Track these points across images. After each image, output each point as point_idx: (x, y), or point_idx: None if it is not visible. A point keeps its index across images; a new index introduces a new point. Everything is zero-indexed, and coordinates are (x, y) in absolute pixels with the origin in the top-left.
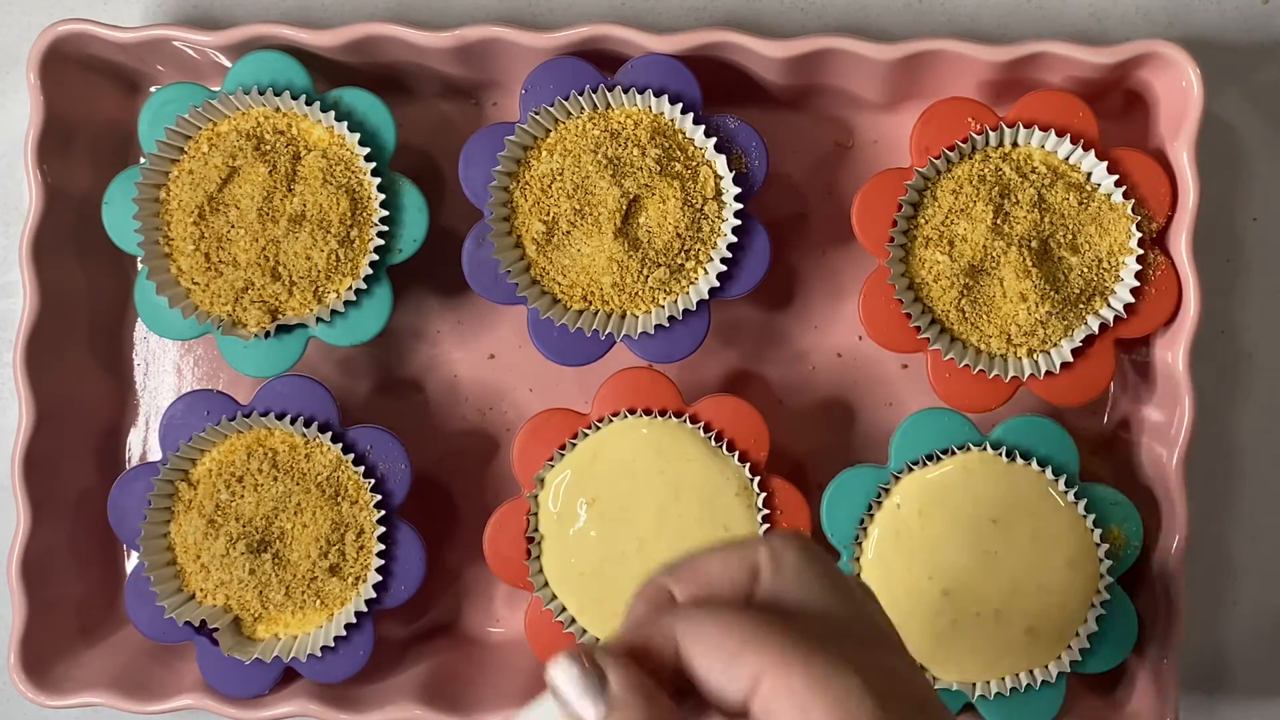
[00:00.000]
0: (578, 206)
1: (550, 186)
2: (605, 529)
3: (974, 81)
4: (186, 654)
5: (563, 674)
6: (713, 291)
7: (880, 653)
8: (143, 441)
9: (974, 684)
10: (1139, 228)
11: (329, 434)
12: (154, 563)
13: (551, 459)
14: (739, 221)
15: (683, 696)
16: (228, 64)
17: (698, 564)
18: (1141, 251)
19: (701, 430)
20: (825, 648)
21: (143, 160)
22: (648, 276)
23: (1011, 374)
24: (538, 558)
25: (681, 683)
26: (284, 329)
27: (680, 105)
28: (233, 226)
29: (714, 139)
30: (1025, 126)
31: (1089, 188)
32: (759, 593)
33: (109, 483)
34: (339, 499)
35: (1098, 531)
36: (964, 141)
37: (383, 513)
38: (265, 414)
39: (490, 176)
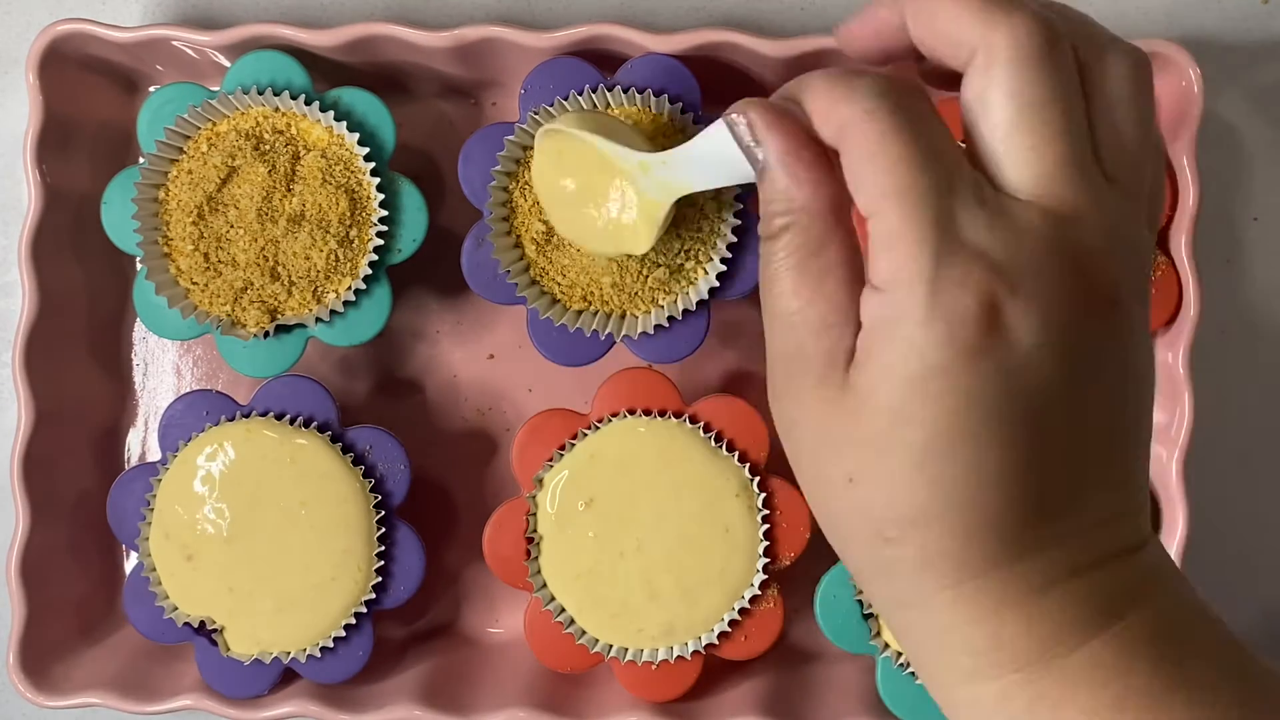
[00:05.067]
0: None
1: None
2: (603, 529)
3: None
4: (186, 654)
5: (732, 122)
6: (713, 291)
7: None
8: (142, 442)
9: None
10: None
11: (328, 434)
12: (152, 563)
13: (550, 459)
14: (739, 221)
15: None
16: (227, 64)
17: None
18: None
19: (701, 430)
20: (952, 253)
21: (142, 160)
22: (647, 277)
23: None
24: (537, 558)
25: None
26: (283, 329)
27: (680, 105)
28: (232, 226)
29: None
30: None
31: None
32: (963, 91)
33: (108, 483)
34: None
35: None
36: (964, 141)
37: (382, 513)
38: (264, 414)
39: (490, 176)
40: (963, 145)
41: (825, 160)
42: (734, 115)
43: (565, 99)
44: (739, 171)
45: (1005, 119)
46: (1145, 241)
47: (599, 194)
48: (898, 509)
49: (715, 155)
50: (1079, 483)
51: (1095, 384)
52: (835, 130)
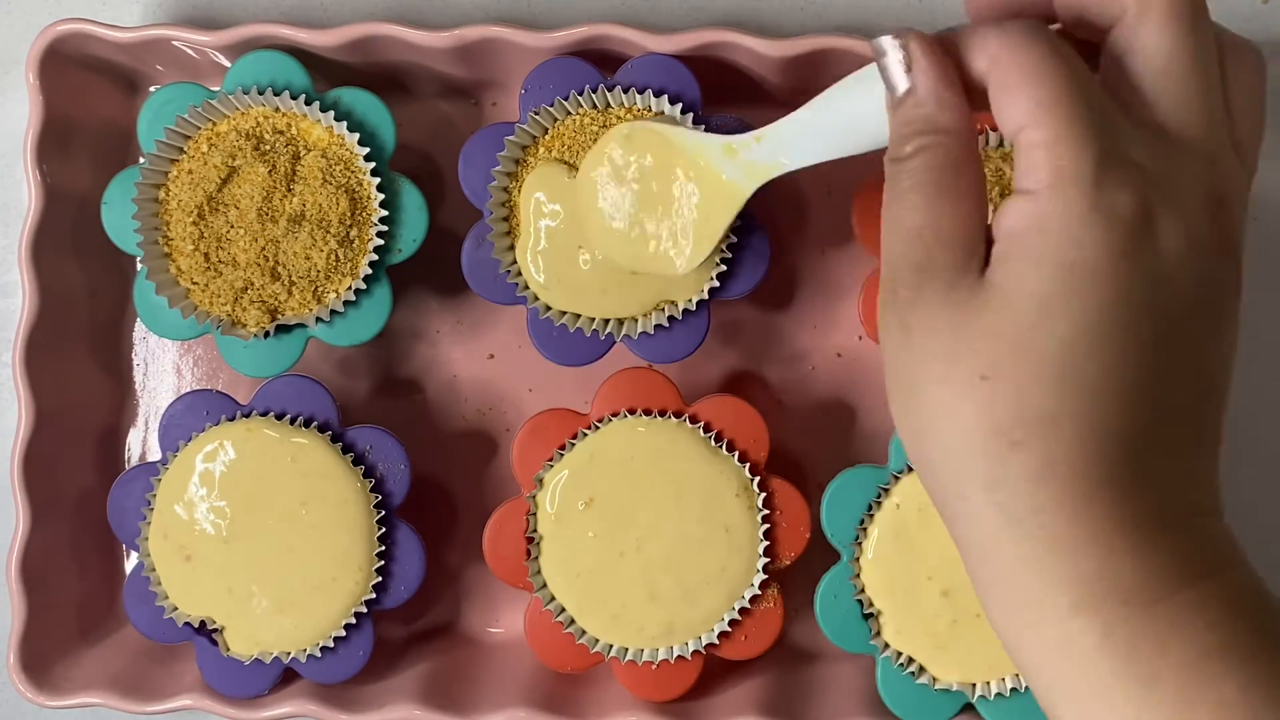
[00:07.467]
0: None
1: None
2: (603, 529)
3: None
4: (186, 654)
5: (886, 46)
6: (713, 291)
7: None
8: (142, 441)
9: (974, 684)
10: None
11: (328, 434)
12: (152, 563)
13: (550, 459)
14: (739, 221)
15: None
16: (227, 64)
17: None
18: None
19: (701, 430)
20: (1112, 158)
21: (142, 160)
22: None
23: None
24: (537, 558)
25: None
26: (283, 329)
27: (680, 105)
28: (232, 226)
29: None
30: None
31: None
32: (1109, 41)
33: (109, 483)
34: None
35: None
36: None
37: (382, 513)
38: (265, 414)
39: (490, 176)
40: None
41: (964, 92)
42: (888, 39)
43: (565, 99)
44: (855, 138)
45: (1156, 68)
46: (1246, 216)
47: (654, 206)
48: (1029, 408)
49: (840, 117)
50: (1197, 423)
51: (1217, 322)
52: (989, 59)
